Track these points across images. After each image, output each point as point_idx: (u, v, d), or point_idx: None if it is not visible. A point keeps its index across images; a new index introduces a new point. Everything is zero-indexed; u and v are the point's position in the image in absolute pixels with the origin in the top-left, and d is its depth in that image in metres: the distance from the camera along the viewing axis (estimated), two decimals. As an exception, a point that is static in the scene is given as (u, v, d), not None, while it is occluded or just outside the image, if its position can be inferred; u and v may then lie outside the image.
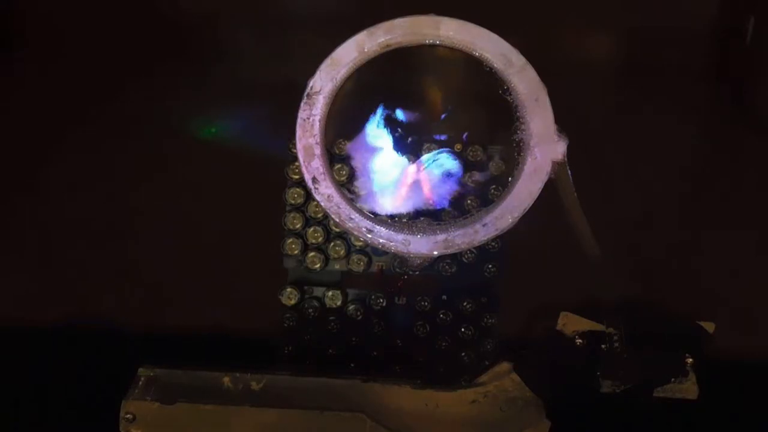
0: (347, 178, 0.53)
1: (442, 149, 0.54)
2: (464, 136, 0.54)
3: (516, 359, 0.49)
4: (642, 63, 0.61)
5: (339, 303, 0.55)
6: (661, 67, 0.61)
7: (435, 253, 0.49)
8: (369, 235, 0.49)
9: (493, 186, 0.54)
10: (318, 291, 0.56)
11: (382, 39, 0.49)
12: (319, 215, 0.55)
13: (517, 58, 0.49)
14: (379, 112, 0.53)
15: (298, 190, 0.55)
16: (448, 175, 0.54)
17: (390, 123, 0.53)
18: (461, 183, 0.54)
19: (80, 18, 0.62)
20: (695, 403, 0.50)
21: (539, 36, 0.60)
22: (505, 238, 0.53)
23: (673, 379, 0.50)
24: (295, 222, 0.55)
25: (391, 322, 0.56)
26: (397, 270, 0.55)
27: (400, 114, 0.53)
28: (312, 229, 0.55)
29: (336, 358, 0.55)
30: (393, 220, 0.52)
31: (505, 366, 0.49)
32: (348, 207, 0.49)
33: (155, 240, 0.59)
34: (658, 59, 0.61)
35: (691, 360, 0.50)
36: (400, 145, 0.53)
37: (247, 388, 0.48)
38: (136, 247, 0.59)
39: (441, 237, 0.49)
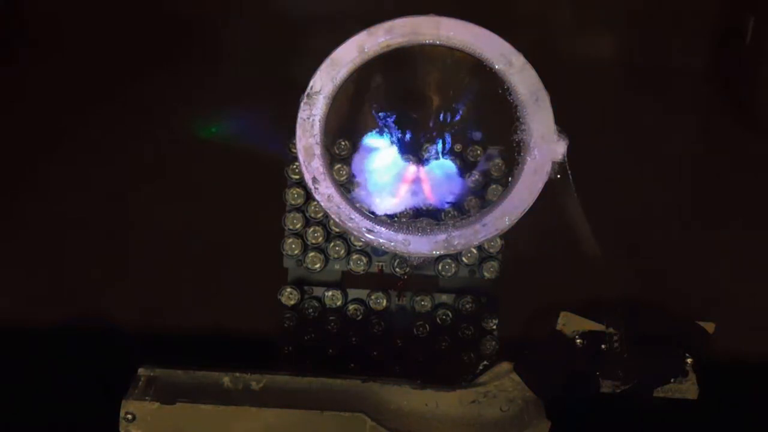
0: (347, 178, 0.53)
1: (442, 149, 0.54)
2: (464, 136, 0.54)
3: (516, 359, 0.49)
4: (642, 63, 0.61)
5: (339, 303, 0.55)
6: (661, 67, 0.61)
7: (435, 253, 0.49)
8: (369, 235, 0.49)
9: (493, 186, 0.54)
10: (318, 291, 0.56)
11: (382, 39, 0.49)
12: (319, 215, 0.55)
13: (517, 58, 0.49)
14: (379, 112, 0.52)
15: (298, 190, 0.55)
16: (448, 175, 0.54)
17: (390, 123, 0.53)
18: (461, 183, 0.54)
19: (80, 18, 0.62)
20: (695, 403, 0.50)
21: (539, 36, 0.60)
22: (505, 238, 0.53)
23: (673, 379, 0.50)
24: (295, 222, 0.55)
25: (391, 322, 0.56)
26: (397, 270, 0.55)
27: (399, 114, 0.53)
28: (312, 229, 0.55)
29: (336, 358, 0.55)
30: (393, 220, 0.52)
31: (505, 366, 0.49)
32: (348, 207, 0.49)
33: (155, 240, 0.59)
34: (658, 59, 0.61)
35: (691, 360, 0.50)
36: (399, 145, 0.53)
37: (247, 388, 0.48)
38: (135, 247, 0.59)
39: (441, 237, 0.49)
